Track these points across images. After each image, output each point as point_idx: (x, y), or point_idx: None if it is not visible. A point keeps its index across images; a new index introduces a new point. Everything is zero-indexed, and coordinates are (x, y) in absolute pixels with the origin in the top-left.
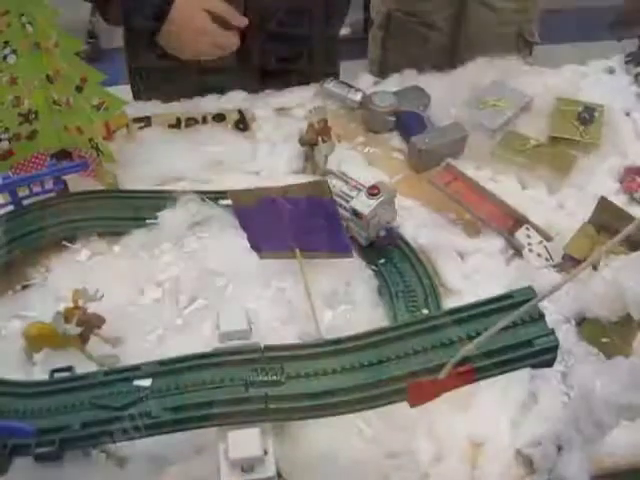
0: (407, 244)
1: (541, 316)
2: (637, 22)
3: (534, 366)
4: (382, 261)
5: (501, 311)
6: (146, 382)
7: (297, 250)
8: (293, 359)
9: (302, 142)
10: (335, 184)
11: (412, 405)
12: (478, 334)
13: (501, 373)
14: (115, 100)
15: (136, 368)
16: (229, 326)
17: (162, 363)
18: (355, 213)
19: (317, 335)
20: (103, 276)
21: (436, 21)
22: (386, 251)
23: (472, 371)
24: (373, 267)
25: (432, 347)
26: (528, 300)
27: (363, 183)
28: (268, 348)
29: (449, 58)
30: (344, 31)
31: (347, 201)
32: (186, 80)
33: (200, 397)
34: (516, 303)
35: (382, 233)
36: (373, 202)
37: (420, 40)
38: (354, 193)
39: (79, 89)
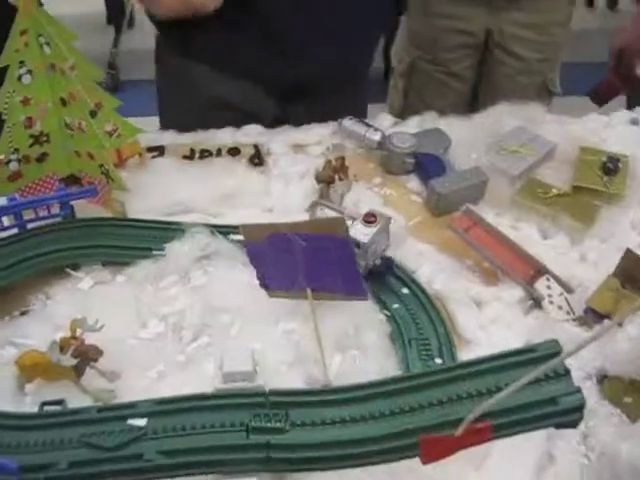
0: (422, 289)
1: (567, 372)
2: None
3: (558, 426)
4: (395, 306)
5: (522, 365)
6: (141, 422)
7: (308, 290)
8: (299, 406)
9: (318, 179)
10: (327, 214)
11: (425, 462)
12: (498, 389)
13: (521, 432)
14: (129, 127)
15: (132, 406)
16: (233, 366)
17: (160, 402)
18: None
19: (325, 381)
20: (104, 306)
21: (460, 70)
22: (399, 295)
23: (490, 428)
24: (385, 312)
25: (448, 400)
26: (553, 355)
27: (357, 212)
28: (273, 392)
29: (470, 106)
30: None
31: None
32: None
33: (198, 441)
34: (539, 357)
35: (377, 262)
36: (371, 230)
37: (442, 89)
38: (349, 222)
39: (93, 114)
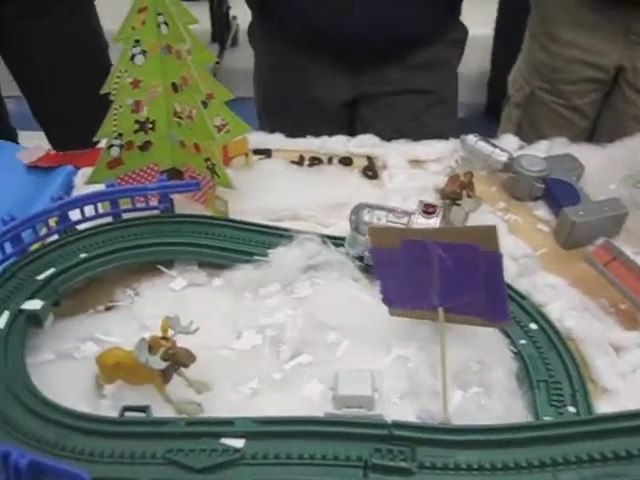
0: (552, 327)
1: None
2: None
3: None
4: (522, 342)
5: None
6: (238, 442)
7: (440, 310)
8: (428, 444)
9: (444, 195)
10: (375, 215)
11: None
12: None
13: None
14: (238, 124)
15: (228, 423)
16: (349, 389)
17: (261, 422)
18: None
19: (443, 418)
20: (197, 310)
21: (582, 105)
22: (526, 331)
23: None
24: (512, 348)
25: (589, 460)
26: None
27: (405, 209)
28: (398, 425)
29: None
30: (460, 113)
31: None
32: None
33: (304, 473)
34: None
35: None
36: (434, 221)
37: (560, 122)
38: (405, 219)
39: (204, 105)
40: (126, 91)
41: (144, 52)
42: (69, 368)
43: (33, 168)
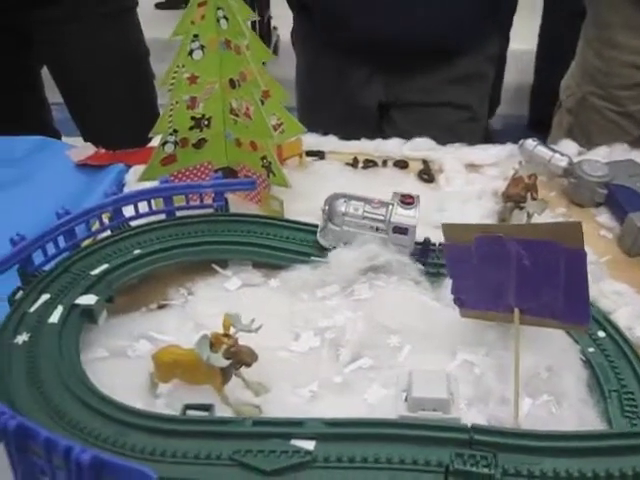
0: (622, 335)
1: None
2: None
3: None
4: (590, 350)
5: None
6: (309, 444)
7: (516, 311)
8: (510, 450)
9: (507, 197)
10: (352, 206)
11: None
12: None
13: None
14: (294, 124)
15: (297, 424)
16: (424, 391)
17: (332, 424)
18: (399, 229)
19: (514, 425)
20: (253, 310)
21: (635, 111)
22: (595, 339)
23: None
24: (581, 356)
25: None
26: None
27: (382, 200)
28: (478, 429)
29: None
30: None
31: (381, 220)
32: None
33: (380, 477)
34: None
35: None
36: (414, 212)
37: (612, 128)
38: (383, 210)
39: (260, 103)
40: (183, 87)
41: (202, 47)
42: (122, 366)
43: (82, 166)
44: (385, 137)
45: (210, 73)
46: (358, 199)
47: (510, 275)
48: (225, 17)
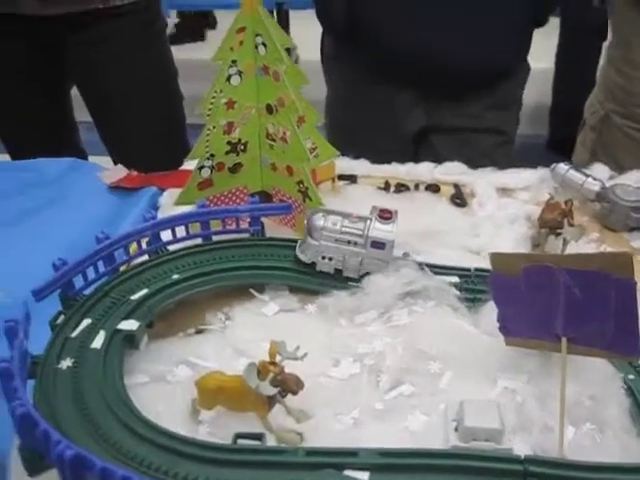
0: None
1: None
2: None
3: None
4: (631, 377)
5: None
6: (363, 475)
7: (564, 340)
8: None
9: (543, 223)
10: (330, 220)
11: None
12: None
13: None
14: (327, 148)
15: (351, 454)
16: (477, 421)
17: (385, 454)
18: (376, 244)
19: (559, 454)
20: (292, 336)
21: None
22: (635, 366)
23: None
24: (622, 384)
25: None
26: None
27: (360, 215)
28: (531, 460)
29: None
30: (516, 145)
31: (359, 235)
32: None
33: None
34: None
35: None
36: (391, 226)
37: (634, 148)
38: (361, 225)
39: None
40: (220, 112)
41: (240, 73)
42: (163, 391)
43: (114, 189)
44: (419, 161)
45: (247, 98)
46: (336, 214)
47: (558, 304)
48: (263, 43)
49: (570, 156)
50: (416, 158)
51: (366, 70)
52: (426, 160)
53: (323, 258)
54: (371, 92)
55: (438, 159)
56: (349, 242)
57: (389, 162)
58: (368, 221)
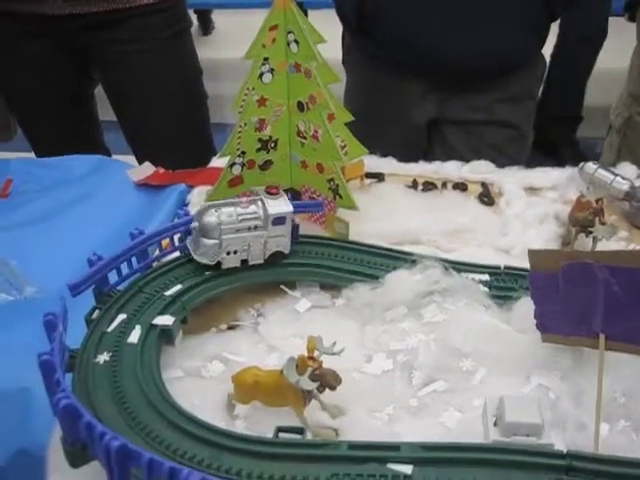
0: None
1: None
2: None
3: None
4: None
5: None
6: (407, 468)
7: (602, 336)
8: (606, 477)
9: (574, 222)
10: (224, 213)
11: None
12: None
13: None
14: (356, 146)
15: (394, 447)
16: (518, 416)
17: (428, 448)
18: (278, 220)
19: (594, 451)
20: (323, 332)
21: None
22: None
23: None
24: None
25: None
26: None
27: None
28: (575, 456)
29: None
30: None
31: (257, 217)
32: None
33: None
34: None
35: None
36: (283, 200)
37: None
38: (254, 207)
39: None
40: (252, 109)
41: (272, 70)
42: (198, 386)
43: (141, 186)
44: (432, 153)
45: (279, 96)
46: (226, 205)
47: (597, 301)
48: (296, 41)
49: (556, 157)
50: (428, 149)
51: (378, 62)
52: (437, 152)
53: (228, 254)
54: (382, 83)
55: (449, 151)
56: (249, 228)
57: (398, 152)
58: (259, 202)
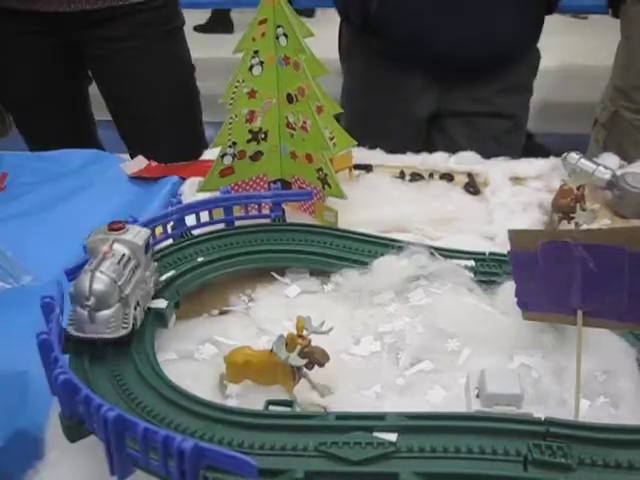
0: None
1: None
2: None
3: None
4: None
5: None
6: (391, 436)
7: (579, 312)
8: (583, 442)
9: (556, 207)
10: (106, 270)
11: None
12: None
13: None
14: (345, 138)
15: (379, 417)
16: (498, 387)
17: (412, 417)
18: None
19: None
20: (313, 316)
21: None
22: None
23: None
24: (635, 358)
25: None
26: None
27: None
28: (552, 422)
29: None
30: None
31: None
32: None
33: (462, 466)
34: None
35: None
36: (133, 227)
37: None
38: (117, 247)
39: None
40: (243, 101)
41: (262, 63)
42: (191, 368)
43: (135, 179)
44: (433, 146)
45: (268, 88)
46: (92, 268)
47: (575, 278)
48: (285, 34)
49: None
50: (428, 142)
51: (379, 56)
52: (438, 144)
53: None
54: (383, 77)
55: (450, 143)
56: (133, 270)
57: (401, 146)
58: (115, 243)
